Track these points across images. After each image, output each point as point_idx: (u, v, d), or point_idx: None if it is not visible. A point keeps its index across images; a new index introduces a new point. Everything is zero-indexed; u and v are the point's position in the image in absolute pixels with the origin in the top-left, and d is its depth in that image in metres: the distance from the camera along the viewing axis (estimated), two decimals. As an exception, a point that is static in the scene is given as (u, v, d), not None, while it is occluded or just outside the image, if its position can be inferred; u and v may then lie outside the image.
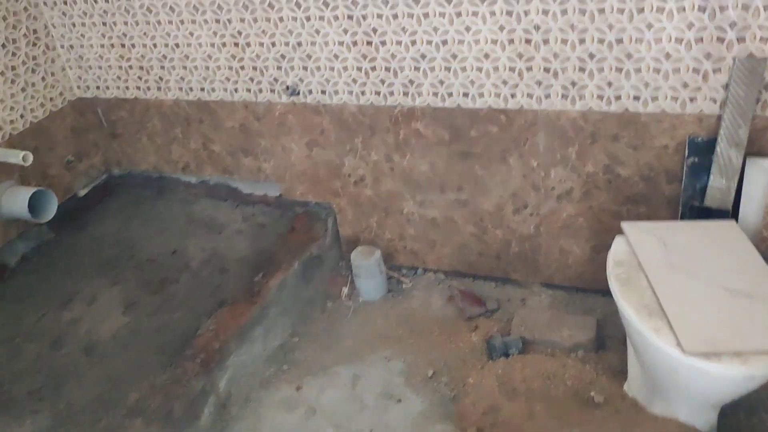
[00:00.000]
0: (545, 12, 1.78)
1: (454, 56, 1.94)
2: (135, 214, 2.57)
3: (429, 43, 1.95)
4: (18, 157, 2.13)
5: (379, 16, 1.96)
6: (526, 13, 1.80)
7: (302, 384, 2.03)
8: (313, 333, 2.22)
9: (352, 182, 2.29)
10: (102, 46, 2.41)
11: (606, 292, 1.74)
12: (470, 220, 2.21)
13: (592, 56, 1.80)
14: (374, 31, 1.99)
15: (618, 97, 1.84)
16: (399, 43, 1.98)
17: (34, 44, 2.40)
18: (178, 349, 1.88)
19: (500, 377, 1.86)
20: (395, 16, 1.95)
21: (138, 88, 2.45)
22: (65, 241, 2.47)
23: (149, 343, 1.92)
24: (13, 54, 2.33)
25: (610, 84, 1.82)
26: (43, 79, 2.44)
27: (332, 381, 2.02)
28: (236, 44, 2.19)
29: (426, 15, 1.91)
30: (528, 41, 1.84)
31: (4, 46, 2.30)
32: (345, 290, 2.36)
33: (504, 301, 2.21)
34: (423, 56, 1.98)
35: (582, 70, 1.83)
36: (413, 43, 1.97)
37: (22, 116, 2.38)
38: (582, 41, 1.79)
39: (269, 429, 1.90)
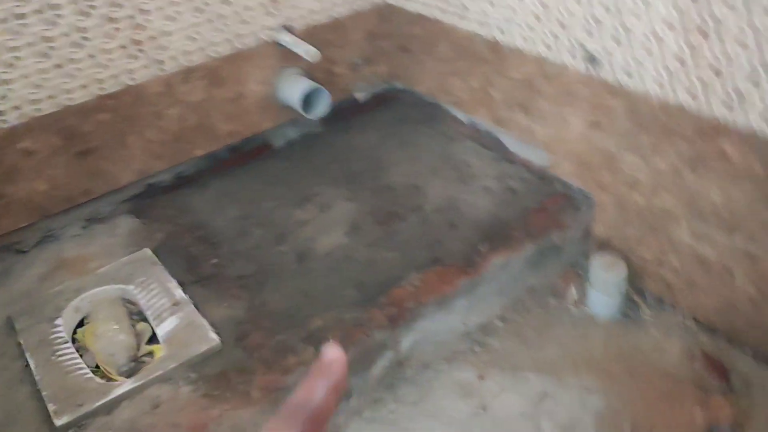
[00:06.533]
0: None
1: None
2: (395, 132, 2.51)
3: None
4: (306, 51, 2.16)
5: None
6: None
7: (486, 374, 1.86)
8: (520, 325, 2.01)
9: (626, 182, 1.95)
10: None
11: None
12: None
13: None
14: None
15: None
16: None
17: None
18: (374, 293, 1.81)
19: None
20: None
21: (439, 9, 2.31)
22: (329, 139, 2.52)
23: (353, 274, 1.89)
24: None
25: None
26: (357, -24, 2.42)
27: (517, 386, 1.82)
28: (548, -10, 1.92)
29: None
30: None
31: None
32: (574, 293, 2.08)
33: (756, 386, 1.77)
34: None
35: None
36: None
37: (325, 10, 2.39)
38: None
39: (433, 405, 1.78)
